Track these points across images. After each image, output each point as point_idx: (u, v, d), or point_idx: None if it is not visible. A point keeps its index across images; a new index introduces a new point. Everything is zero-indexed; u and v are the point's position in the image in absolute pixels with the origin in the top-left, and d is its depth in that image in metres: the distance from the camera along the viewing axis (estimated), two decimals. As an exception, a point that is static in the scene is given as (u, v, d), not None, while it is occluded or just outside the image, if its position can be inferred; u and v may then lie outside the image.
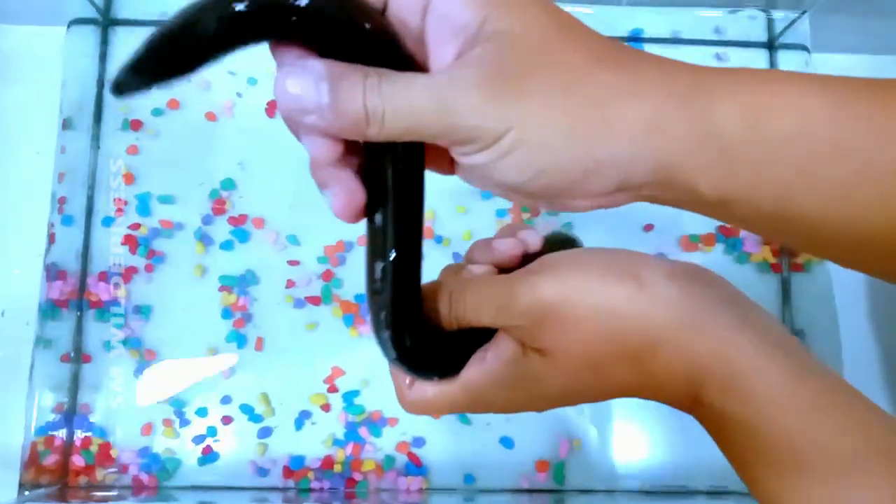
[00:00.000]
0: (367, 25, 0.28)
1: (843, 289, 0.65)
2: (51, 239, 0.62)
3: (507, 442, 0.62)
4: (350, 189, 0.30)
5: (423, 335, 0.34)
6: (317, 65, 0.27)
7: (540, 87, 0.27)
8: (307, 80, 0.27)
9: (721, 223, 0.65)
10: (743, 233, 0.65)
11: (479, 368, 0.34)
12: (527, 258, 0.36)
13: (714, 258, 0.65)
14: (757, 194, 0.28)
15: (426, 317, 0.34)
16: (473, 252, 0.37)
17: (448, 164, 0.32)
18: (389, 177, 0.30)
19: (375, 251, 0.32)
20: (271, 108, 0.66)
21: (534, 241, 0.36)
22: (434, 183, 0.32)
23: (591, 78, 0.28)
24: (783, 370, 0.31)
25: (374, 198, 0.31)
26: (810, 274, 0.65)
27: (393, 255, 0.31)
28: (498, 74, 0.27)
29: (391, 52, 0.28)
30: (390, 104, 0.27)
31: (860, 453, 0.30)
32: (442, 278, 0.37)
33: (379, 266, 0.31)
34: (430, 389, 0.35)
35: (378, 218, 0.31)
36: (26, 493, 0.58)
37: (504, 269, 0.36)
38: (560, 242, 0.38)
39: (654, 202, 0.31)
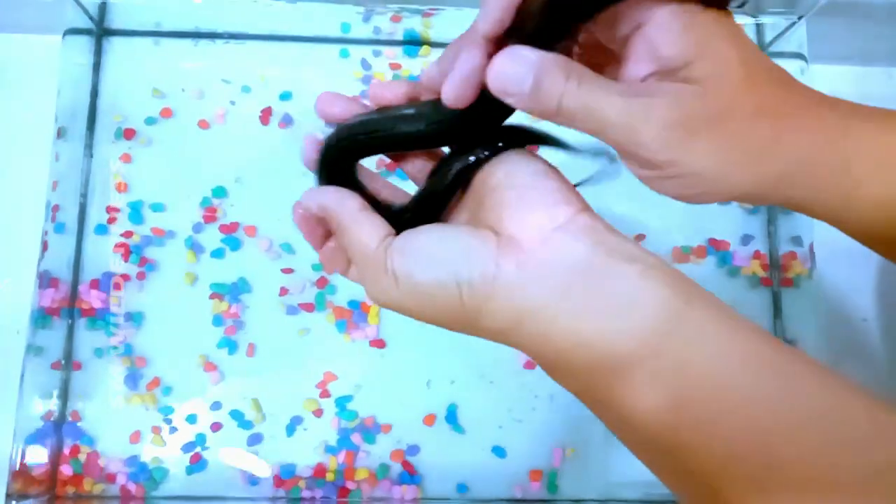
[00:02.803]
0: None
1: (832, 302, 0.65)
2: (44, 247, 0.61)
3: (499, 451, 0.61)
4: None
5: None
6: (531, 56, 0.31)
7: (709, 143, 0.32)
8: (519, 67, 0.31)
9: (713, 236, 0.65)
10: (733, 246, 0.66)
11: None
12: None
13: (705, 270, 0.65)
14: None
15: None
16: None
17: None
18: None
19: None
20: (265, 116, 0.66)
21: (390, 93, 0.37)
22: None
23: (752, 133, 0.33)
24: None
25: None
26: (800, 288, 0.65)
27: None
28: (681, 121, 0.32)
29: None
30: (582, 108, 0.31)
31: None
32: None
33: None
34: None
35: None
36: (13, 503, 0.57)
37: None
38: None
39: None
